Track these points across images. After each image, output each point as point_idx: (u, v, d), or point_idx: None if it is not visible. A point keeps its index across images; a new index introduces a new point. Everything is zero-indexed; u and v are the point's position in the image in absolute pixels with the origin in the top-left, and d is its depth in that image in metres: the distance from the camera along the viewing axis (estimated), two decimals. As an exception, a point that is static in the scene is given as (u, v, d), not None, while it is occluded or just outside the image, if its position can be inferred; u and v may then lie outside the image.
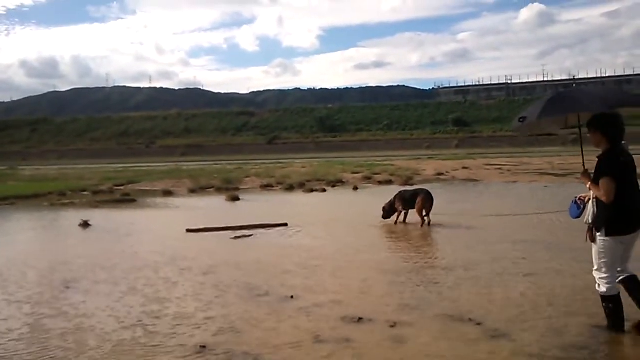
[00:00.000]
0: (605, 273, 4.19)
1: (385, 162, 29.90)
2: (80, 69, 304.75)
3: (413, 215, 9.94)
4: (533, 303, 5.19)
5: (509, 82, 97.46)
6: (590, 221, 4.21)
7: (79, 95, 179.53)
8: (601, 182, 4.05)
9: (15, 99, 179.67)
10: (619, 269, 4.23)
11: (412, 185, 17.49)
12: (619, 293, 4.23)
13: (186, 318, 5.01)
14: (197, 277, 6.57)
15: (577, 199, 4.44)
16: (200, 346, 4.27)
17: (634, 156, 4.25)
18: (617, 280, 4.22)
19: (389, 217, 10.11)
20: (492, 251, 7.48)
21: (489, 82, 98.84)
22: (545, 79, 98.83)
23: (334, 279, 6.29)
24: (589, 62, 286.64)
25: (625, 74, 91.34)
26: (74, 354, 4.21)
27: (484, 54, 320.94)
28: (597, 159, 4.14)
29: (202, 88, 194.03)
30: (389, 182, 19.28)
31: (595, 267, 4.26)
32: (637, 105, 4.55)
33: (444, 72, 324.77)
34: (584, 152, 4.48)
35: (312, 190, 17.62)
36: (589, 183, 4.20)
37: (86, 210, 13.60)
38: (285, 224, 10.13)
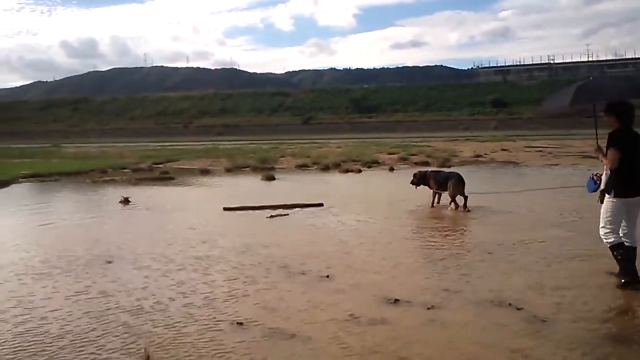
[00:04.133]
0: (609, 227, 5.04)
1: (422, 144, 29.51)
2: (119, 48, 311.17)
3: (447, 198, 9.72)
4: (575, 289, 5.04)
5: (552, 62, 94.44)
6: (602, 187, 5.15)
7: (118, 74, 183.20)
8: (609, 152, 4.94)
9: (57, 78, 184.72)
10: (625, 236, 4.99)
11: (449, 167, 17.23)
12: (624, 242, 5.00)
13: (223, 295, 5.07)
14: (233, 255, 6.64)
15: (594, 175, 5.39)
16: (237, 323, 4.31)
17: None
18: (619, 242, 4.99)
19: (418, 186, 10.07)
20: (532, 235, 7.29)
21: (531, 62, 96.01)
22: (590, 58, 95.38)
23: (370, 260, 6.26)
24: (636, 41, 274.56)
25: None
26: (112, 327, 4.32)
27: (526, 32, 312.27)
28: (607, 135, 4.99)
29: (237, 68, 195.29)
30: (425, 164, 19.00)
31: (602, 224, 5.08)
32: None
33: (483, 51, 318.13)
34: (597, 133, 5.38)
35: (347, 171, 17.55)
36: (601, 155, 5.10)
37: (126, 187, 13.92)
38: (321, 204, 10.12)
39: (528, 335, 3.97)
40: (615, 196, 4.96)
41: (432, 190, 9.84)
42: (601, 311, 4.47)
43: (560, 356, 3.63)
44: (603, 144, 5.11)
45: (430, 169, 10.14)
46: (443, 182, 9.64)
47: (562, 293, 4.92)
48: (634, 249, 5.02)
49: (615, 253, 5.07)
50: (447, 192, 9.52)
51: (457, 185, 9.41)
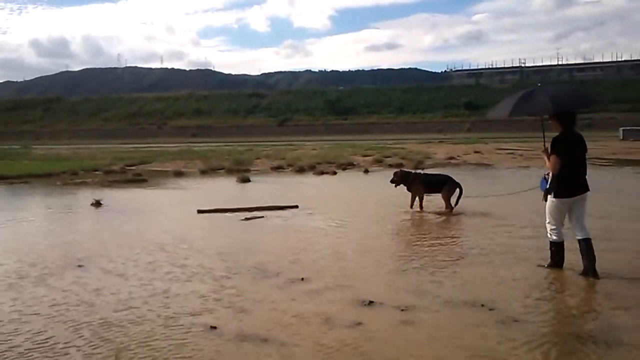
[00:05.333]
0: (554, 225, 5.63)
1: (396, 146, 29.74)
2: (92, 48, 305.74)
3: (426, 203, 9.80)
4: (545, 289, 5.16)
5: (523, 65, 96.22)
6: (547, 187, 5.63)
7: (91, 75, 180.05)
8: (551, 157, 5.45)
9: (27, 78, 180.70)
10: (577, 230, 5.53)
11: (423, 169, 17.40)
12: (564, 241, 5.66)
13: (197, 298, 5.02)
14: (208, 257, 6.58)
15: (546, 175, 5.73)
16: (211, 326, 4.28)
17: None
18: (576, 239, 5.53)
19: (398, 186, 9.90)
20: (504, 237, 7.41)
21: (503, 66, 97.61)
22: (560, 62, 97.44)
23: (345, 262, 6.28)
24: (605, 46, 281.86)
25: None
26: (81, 332, 4.24)
27: (498, 36, 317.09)
28: (552, 140, 5.47)
29: (212, 69, 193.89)
30: (400, 166, 19.13)
31: (547, 220, 5.68)
32: (579, 108, 5.99)
33: (457, 54, 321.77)
34: (545, 136, 5.74)
35: (322, 173, 17.58)
36: (546, 158, 5.59)
37: (98, 190, 13.70)
38: (296, 206, 10.12)
39: (500, 335, 4.03)
40: (555, 197, 5.51)
41: (416, 193, 9.72)
42: (571, 311, 4.58)
43: (532, 356, 3.70)
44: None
45: (412, 170, 10.05)
46: (437, 184, 9.67)
47: (534, 293, 5.01)
48: (589, 239, 5.50)
49: (552, 249, 5.73)
50: (441, 194, 9.56)
51: (453, 188, 9.51)
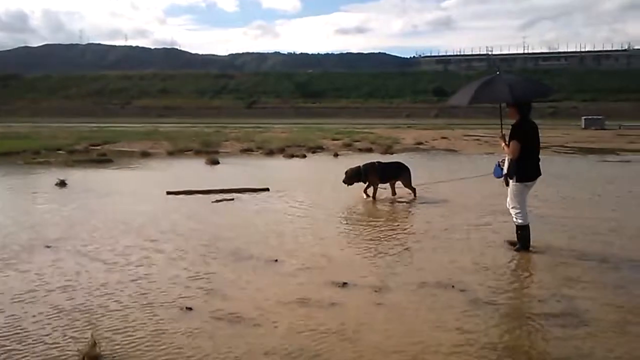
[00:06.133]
0: (519, 209, 5.85)
1: (365, 130, 29.86)
2: (52, 24, 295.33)
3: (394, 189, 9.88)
4: (512, 270, 5.33)
5: (490, 53, 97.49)
6: (505, 172, 5.83)
7: (51, 51, 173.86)
8: (511, 143, 5.71)
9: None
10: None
11: (392, 154, 17.56)
12: (529, 224, 5.91)
13: (170, 280, 5.00)
14: (179, 239, 6.54)
15: (500, 162, 6.00)
16: (187, 308, 4.28)
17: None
18: (527, 224, 5.87)
19: (351, 184, 9.49)
20: (472, 220, 7.58)
21: (470, 53, 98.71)
22: (526, 51, 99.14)
23: (317, 244, 6.33)
24: (570, 36, 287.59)
25: (604, 49, 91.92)
26: (55, 313, 4.18)
27: (467, 23, 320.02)
28: (511, 127, 5.77)
29: (179, 48, 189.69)
30: (369, 150, 19.28)
31: (511, 205, 5.90)
32: (537, 98, 6.47)
33: (426, 40, 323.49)
34: (502, 122, 6.00)
35: (292, 156, 17.54)
36: (504, 144, 5.85)
37: (62, 170, 13.34)
38: (267, 189, 10.09)
39: (471, 315, 4.15)
40: (517, 181, 5.79)
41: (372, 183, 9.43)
42: (538, 291, 4.74)
43: (501, 335, 3.84)
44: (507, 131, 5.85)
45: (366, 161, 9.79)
46: (394, 172, 9.62)
47: (503, 274, 5.17)
48: (528, 225, 5.93)
49: (519, 232, 5.95)
50: (401, 181, 9.58)
51: (408, 174, 9.57)
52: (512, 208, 5.93)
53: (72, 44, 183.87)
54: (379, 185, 9.51)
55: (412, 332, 3.87)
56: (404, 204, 9.09)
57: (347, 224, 7.61)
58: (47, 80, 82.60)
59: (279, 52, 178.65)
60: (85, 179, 12.14)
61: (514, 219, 5.96)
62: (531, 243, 5.94)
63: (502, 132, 5.97)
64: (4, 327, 3.94)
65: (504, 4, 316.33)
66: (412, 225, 7.54)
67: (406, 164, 9.88)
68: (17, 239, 6.53)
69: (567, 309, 4.29)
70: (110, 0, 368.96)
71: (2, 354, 3.53)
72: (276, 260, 5.60)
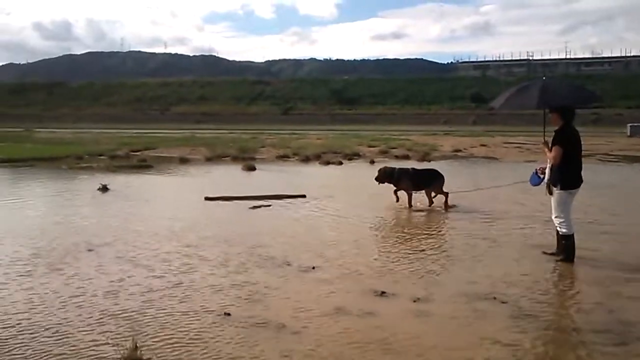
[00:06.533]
0: (563, 218, 5.68)
1: (402, 137, 29.63)
2: (95, 32, 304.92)
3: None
4: (558, 282, 5.16)
5: (530, 58, 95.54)
6: (547, 179, 5.74)
7: (94, 59, 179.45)
8: (553, 149, 5.59)
9: (30, 61, 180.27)
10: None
11: (429, 161, 17.36)
12: (574, 234, 5.73)
13: (209, 286, 5.04)
14: (217, 245, 6.60)
15: (538, 169, 5.99)
16: (225, 313, 4.30)
17: None
18: (572, 234, 5.70)
19: (382, 183, 9.47)
20: (516, 229, 7.40)
21: (510, 58, 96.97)
22: (568, 56, 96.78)
23: (355, 252, 6.28)
24: (613, 40, 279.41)
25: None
26: (97, 318, 4.26)
27: (506, 28, 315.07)
28: (554, 133, 5.67)
29: (216, 55, 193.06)
30: (406, 157, 19.12)
31: (555, 214, 5.76)
32: (579, 104, 6.43)
33: (463, 46, 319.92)
34: (545, 129, 5.95)
35: (328, 163, 17.54)
36: (546, 150, 5.76)
37: (104, 175, 13.70)
38: (304, 196, 10.11)
39: (513, 327, 4.04)
40: (562, 188, 5.64)
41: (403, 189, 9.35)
42: (583, 304, 4.58)
43: (545, 349, 3.71)
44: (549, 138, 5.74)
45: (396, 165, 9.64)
46: (421, 178, 9.39)
47: (545, 285, 5.02)
48: (573, 235, 5.78)
49: (564, 242, 5.77)
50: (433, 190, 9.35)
51: (442, 183, 9.35)
52: (555, 217, 5.78)
53: (113, 52, 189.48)
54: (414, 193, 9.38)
55: (454, 344, 3.79)
56: (441, 212, 8.95)
57: (383, 231, 7.55)
58: (91, 87, 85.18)
59: (315, 59, 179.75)
60: (127, 184, 12.41)
61: (558, 228, 5.79)
62: (576, 253, 5.75)
63: (544, 138, 5.88)
64: (51, 331, 4.04)
65: (544, 9, 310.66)
66: (450, 234, 7.41)
67: (440, 172, 9.68)
68: (62, 242, 6.71)
69: (615, 324, 4.12)
70: (151, 8, 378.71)
71: (50, 358, 3.61)
72: (314, 268, 5.58)
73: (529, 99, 5.98)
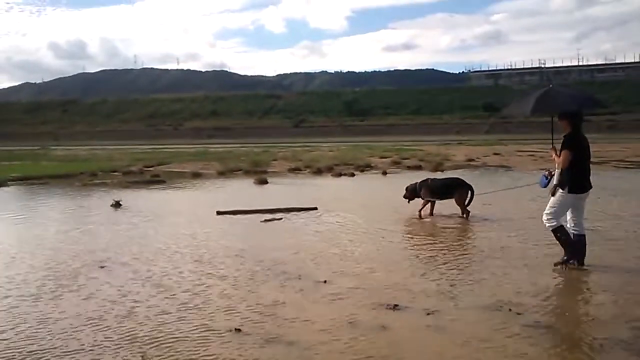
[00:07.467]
0: (552, 215, 5.78)
1: (414, 147, 29.55)
2: (108, 50, 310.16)
3: (439, 206, 9.58)
4: (574, 293, 5.04)
5: (543, 66, 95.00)
6: (555, 182, 5.75)
7: (107, 76, 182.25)
8: (562, 153, 5.66)
9: (46, 80, 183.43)
10: (575, 226, 5.79)
11: (442, 171, 17.25)
12: (562, 225, 5.78)
13: (219, 300, 5.00)
14: (229, 259, 6.56)
15: (546, 172, 6.07)
16: (236, 329, 4.25)
17: None
18: (572, 233, 5.77)
19: (412, 199, 9.51)
20: (532, 238, 7.28)
21: (522, 66, 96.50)
22: (581, 63, 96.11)
23: (367, 265, 6.20)
24: (627, 46, 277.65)
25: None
26: (108, 333, 4.24)
27: (517, 36, 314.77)
28: (563, 138, 5.74)
29: (228, 70, 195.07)
30: (418, 168, 19.03)
31: (547, 211, 5.82)
32: (588, 110, 6.54)
33: (475, 55, 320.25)
34: (553, 135, 6.04)
35: (340, 175, 17.50)
36: (554, 154, 5.87)
37: (117, 191, 13.78)
38: (315, 208, 10.06)
39: (528, 339, 3.93)
40: (569, 192, 5.69)
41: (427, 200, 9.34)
42: (601, 314, 4.45)
43: (563, 363, 3.61)
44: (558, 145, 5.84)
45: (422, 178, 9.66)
46: (448, 189, 9.31)
47: (561, 295, 4.91)
48: (584, 236, 5.83)
49: (558, 235, 5.84)
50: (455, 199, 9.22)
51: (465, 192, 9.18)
52: (545, 214, 5.87)
53: (126, 69, 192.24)
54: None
55: (471, 357, 3.69)
56: (457, 221, 8.85)
57: (397, 243, 7.46)
58: (104, 104, 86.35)
59: (326, 71, 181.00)
60: (140, 199, 12.46)
61: (547, 224, 5.87)
62: (596, 261, 5.65)
63: (552, 143, 6.01)
64: (61, 351, 4.02)
65: (555, 16, 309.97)
66: (465, 244, 7.31)
67: (465, 181, 9.50)
68: (75, 260, 6.72)
69: (635, 334, 4.00)
70: (163, 25, 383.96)
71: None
72: (325, 281, 5.52)
73: (525, 105, 6.09)
